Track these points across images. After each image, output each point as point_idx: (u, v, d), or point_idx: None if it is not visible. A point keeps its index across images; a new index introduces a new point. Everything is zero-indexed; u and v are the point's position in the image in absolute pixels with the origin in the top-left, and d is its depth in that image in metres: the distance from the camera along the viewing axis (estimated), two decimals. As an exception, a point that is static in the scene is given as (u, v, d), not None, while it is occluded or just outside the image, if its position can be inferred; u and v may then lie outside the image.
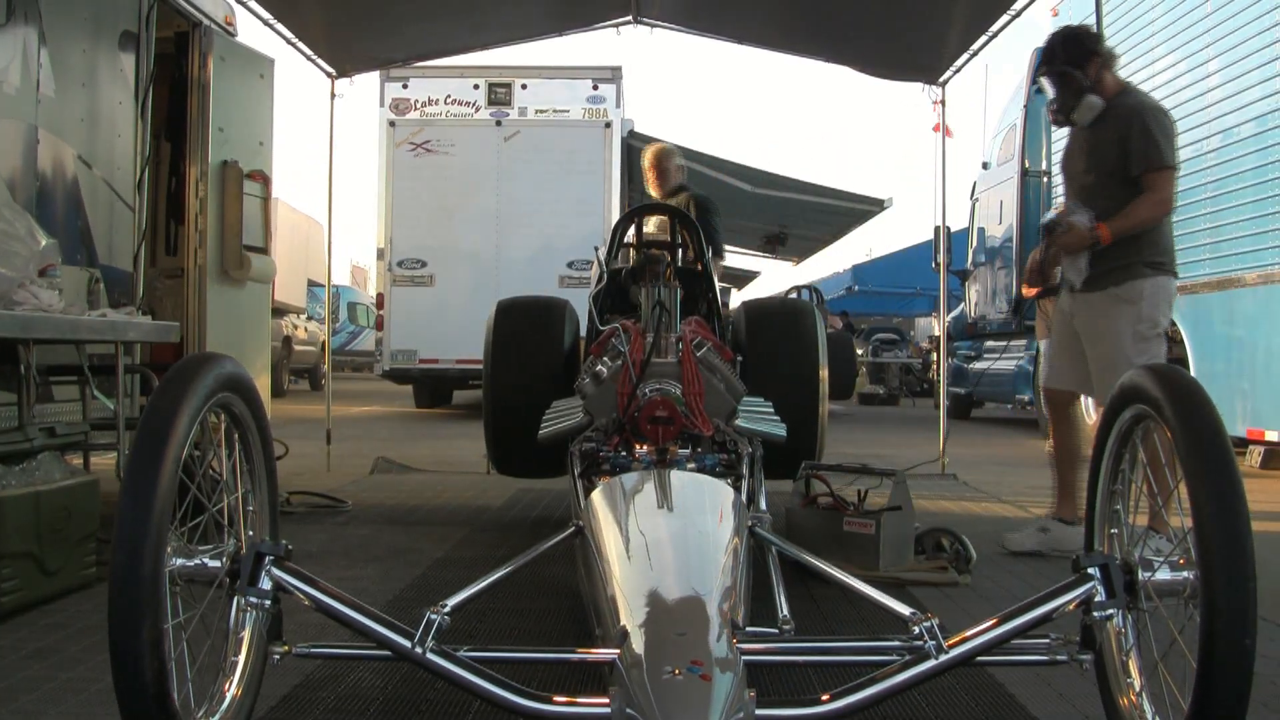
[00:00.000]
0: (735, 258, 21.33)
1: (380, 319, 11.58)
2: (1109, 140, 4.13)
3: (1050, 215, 4.25)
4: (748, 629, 1.92)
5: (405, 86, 11.38)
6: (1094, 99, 4.15)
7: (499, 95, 11.44)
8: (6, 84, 4.51)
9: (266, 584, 1.86)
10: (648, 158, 6.37)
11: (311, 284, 19.61)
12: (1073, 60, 4.17)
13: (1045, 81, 4.30)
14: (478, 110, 11.46)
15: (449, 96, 11.43)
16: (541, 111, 11.44)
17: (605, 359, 3.38)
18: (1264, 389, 6.79)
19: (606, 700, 1.60)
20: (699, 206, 6.03)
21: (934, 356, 16.39)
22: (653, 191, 6.26)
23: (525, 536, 4.52)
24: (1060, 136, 10.35)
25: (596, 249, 6.39)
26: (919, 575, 3.72)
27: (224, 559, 1.87)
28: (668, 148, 6.43)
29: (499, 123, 11.45)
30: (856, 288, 24.31)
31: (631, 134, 12.49)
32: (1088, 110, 4.18)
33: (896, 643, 1.82)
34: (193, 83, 5.92)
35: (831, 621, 3.18)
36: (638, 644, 1.66)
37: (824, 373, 4.39)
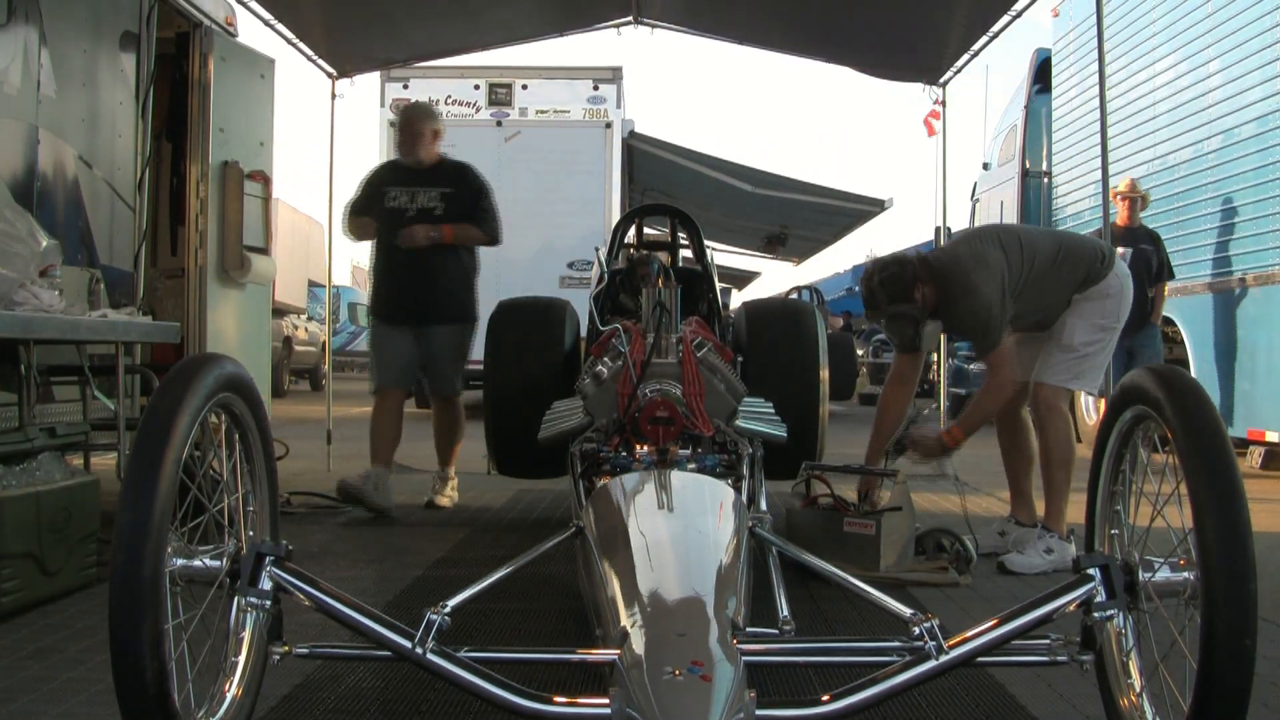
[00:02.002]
0: (736, 258, 21.35)
1: (381, 319, 11.55)
2: (951, 325, 4.09)
3: (898, 433, 4.13)
4: (748, 629, 1.92)
5: (406, 87, 11.37)
6: (932, 325, 4.04)
7: (499, 96, 11.43)
8: (7, 84, 4.52)
9: (267, 584, 1.86)
10: (400, 117, 5.41)
11: (312, 284, 19.60)
12: (897, 298, 3.97)
13: (879, 324, 4.12)
14: (478, 110, 11.45)
15: (449, 97, 11.41)
16: (542, 112, 11.44)
17: (606, 359, 3.39)
18: (1264, 389, 6.79)
19: (607, 701, 1.60)
20: (475, 188, 5.35)
21: (934, 357, 16.38)
22: (403, 157, 5.34)
23: (526, 537, 4.52)
24: (1062, 137, 10.37)
25: (597, 249, 6.37)
26: (919, 576, 3.72)
27: (224, 559, 1.87)
28: (426, 108, 5.52)
29: (499, 123, 11.44)
30: (857, 288, 24.27)
31: (632, 134, 12.48)
32: (932, 337, 4.13)
33: (897, 643, 1.82)
34: (193, 83, 5.92)
35: (832, 622, 3.18)
36: (638, 644, 1.66)
37: (824, 373, 4.39)
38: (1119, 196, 7.39)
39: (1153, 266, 7.26)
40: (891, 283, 3.97)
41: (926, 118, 7.53)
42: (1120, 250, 6.98)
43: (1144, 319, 7.16)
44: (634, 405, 3.00)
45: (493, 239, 5.38)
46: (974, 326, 3.94)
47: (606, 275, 5.14)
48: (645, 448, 2.95)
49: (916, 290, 3.96)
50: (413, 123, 5.32)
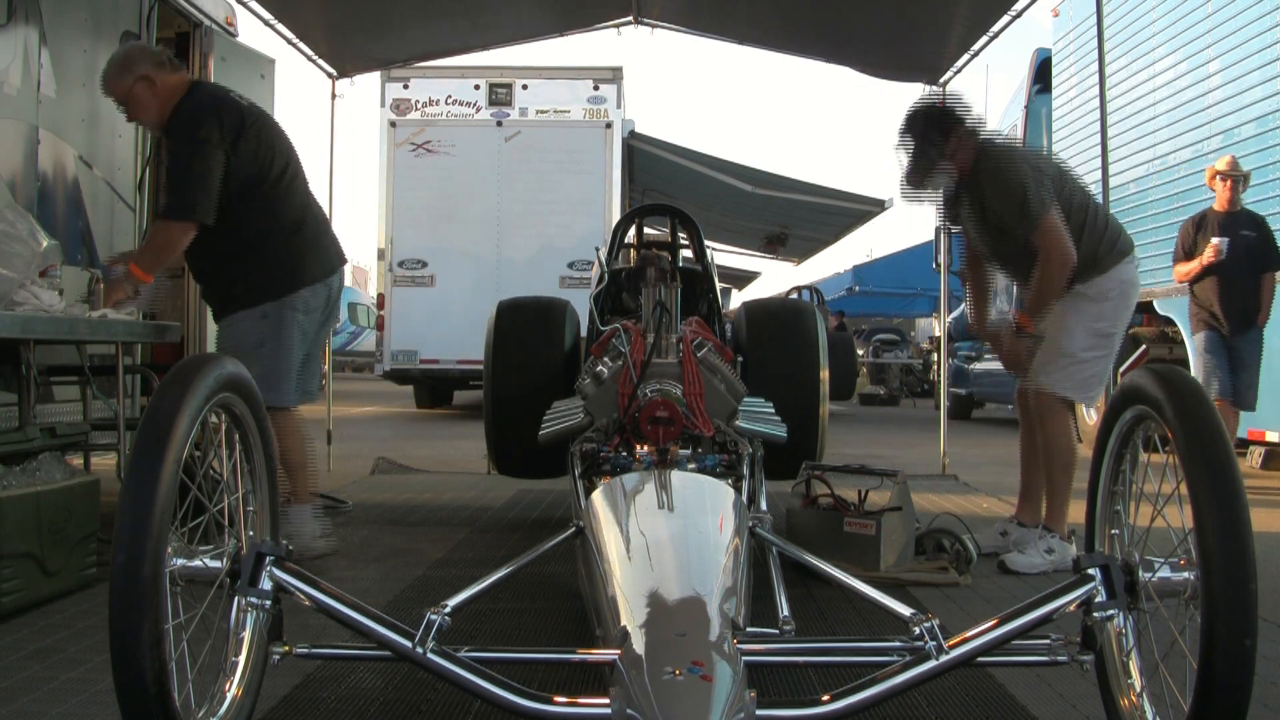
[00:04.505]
0: (736, 258, 21.39)
1: (381, 319, 11.59)
2: (986, 208, 4.04)
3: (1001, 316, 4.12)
4: (748, 629, 1.92)
5: (406, 87, 11.40)
6: (946, 165, 4.05)
7: (500, 95, 11.46)
8: (8, 84, 4.52)
9: (267, 584, 1.87)
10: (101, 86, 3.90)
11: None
12: (928, 134, 4.03)
13: (900, 151, 4.15)
14: (479, 110, 11.47)
15: (450, 97, 11.44)
16: (542, 112, 11.46)
17: (606, 359, 3.39)
18: (1264, 389, 6.78)
19: (607, 701, 1.60)
20: (179, 140, 3.73)
21: (934, 357, 16.41)
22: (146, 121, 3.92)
23: (526, 537, 4.52)
24: (1062, 137, 10.37)
25: (597, 249, 6.36)
26: (919, 576, 3.72)
27: (224, 559, 1.87)
28: (117, 57, 3.90)
29: (500, 123, 11.46)
30: (857, 288, 24.33)
31: (632, 134, 12.50)
32: (939, 178, 4.10)
33: (897, 643, 1.82)
34: (193, 83, 5.91)
35: (832, 622, 3.18)
36: (638, 644, 1.66)
37: (824, 373, 4.39)
38: (1219, 176, 6.45)
39: (1256, 255, 6.30)
40: (932, 120, 4.06)
41: None
42: (1215, 241, 6.27)
43: (1248, 319, 6.33)
44: (634, 405, 3.00)
45: (182, 215, 3.65)
46: (1011, 207, 3.89)
47: (607, 275, 5.13)
48: (645, 448, 2.95)
49: (951, 138, 4.00)
50: (110, 89, 3.85)
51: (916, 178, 4.11)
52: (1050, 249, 3.85)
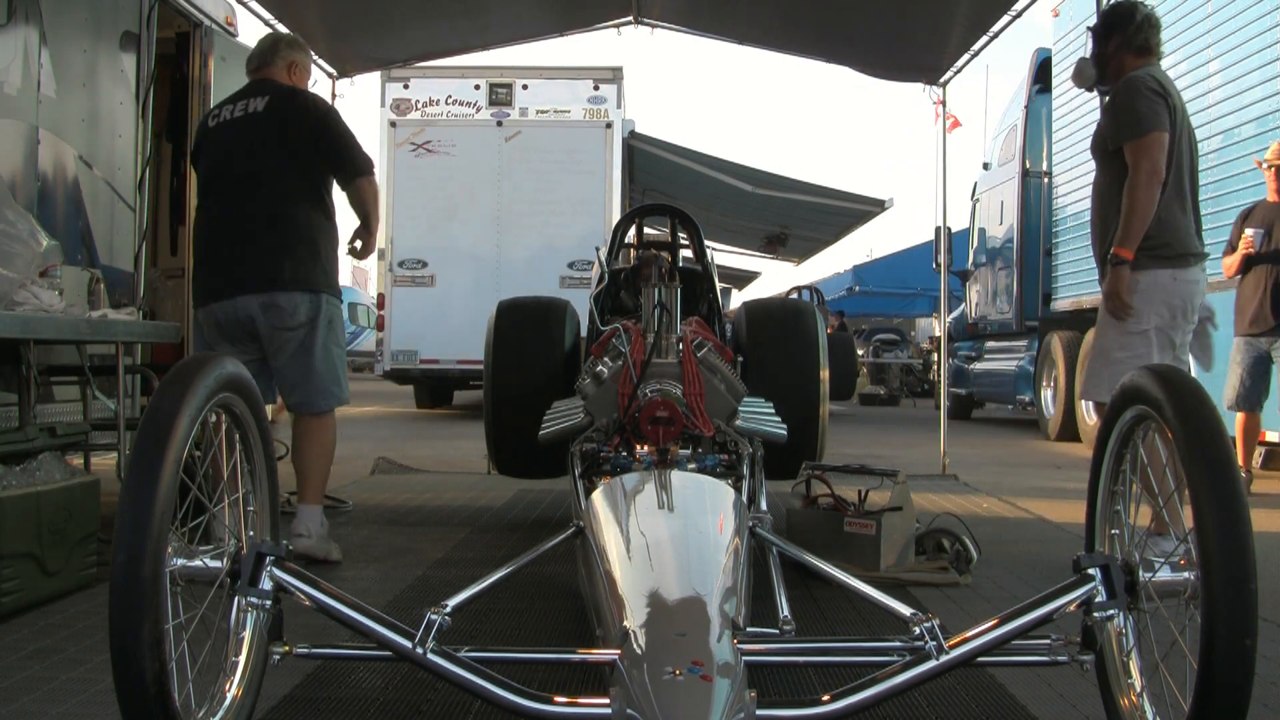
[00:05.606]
0: (736, 258, 21.40)
1: (381, 319, 11.60)
2: (1106, 126, 4.00)
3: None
4: (748, 629, 1.92)
5: (406, 87, 11.40)
6: (1088, 66, 4.11)
7: (500, 95, 11.46)
8: (8, 84, 4.52)
9: (267, 584, 1.87)
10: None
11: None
12: (1098, 29, 4.12)
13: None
14: (479, 110, 11.48)
15: (450, 97, 11.44)
16: (542, 112, 11.46)
17: (606, 359, 3.39)
18: (1264, 389, 6.76)
19: (607, 701, 1.60)
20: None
21: (934, 357, 16.41)
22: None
23: (526, 537, 4.52)
24: (1062, 137, 10.37)
25: (597, 249, 6.36)
26: (919, 576, 3.72)
27: (225, 559, 1.87)
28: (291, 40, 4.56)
29: (500, 123, 11.46)
30: (857, 288, 24.36)
31: (632, 134, 12.50)
32: (1078, 74, 4.20)
33: (897, 643, 1.82)
34: (193, 83, 5.92)
35: (832, 622, 3.18)
36: (639, 644, 1.66)
37: (825, 373, 4.39)
38: (1266, 165, 6.18)
39: None
40: (1108, 14, 4.13)
41: (949, 122, 7.48)
42: (1249, 231, 6.01)
43: None
44: (634, 405, 3.00)
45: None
46: (1120, 106, 3.87)
47: (607, 275, 5.13)
48: (645, 448, 2.95)
49: (1111, 39, 4.01)
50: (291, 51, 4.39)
51: (1077, 66, 4.19)
52: (1140, 159, 3.74)
